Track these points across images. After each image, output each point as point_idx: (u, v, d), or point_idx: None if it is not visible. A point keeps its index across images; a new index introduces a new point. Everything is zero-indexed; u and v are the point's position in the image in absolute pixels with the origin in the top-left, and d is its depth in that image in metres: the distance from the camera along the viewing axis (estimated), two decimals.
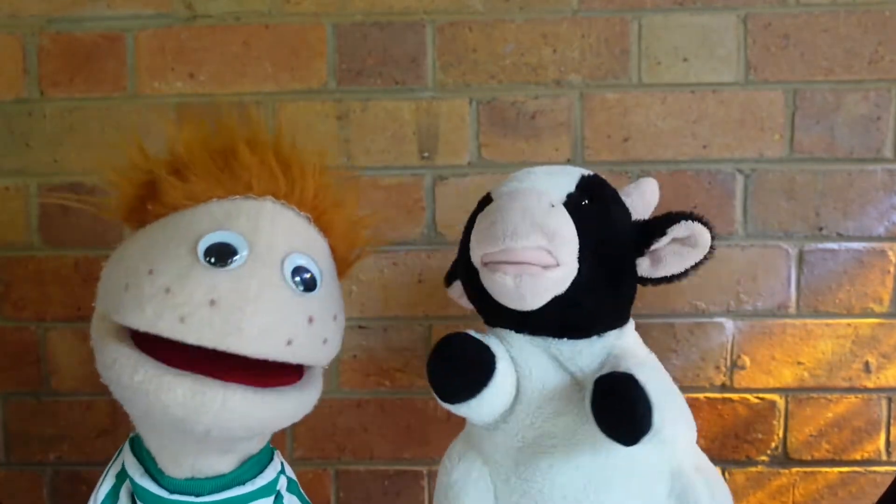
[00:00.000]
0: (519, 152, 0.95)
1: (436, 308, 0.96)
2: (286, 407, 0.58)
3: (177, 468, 0.60)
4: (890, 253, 0.94)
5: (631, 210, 0.66)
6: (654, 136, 0.94)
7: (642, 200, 0.67)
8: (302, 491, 0.70)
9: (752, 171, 0.94)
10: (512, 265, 0.57)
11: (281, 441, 0.98)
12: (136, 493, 0.61)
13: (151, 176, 0.61)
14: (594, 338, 0.63)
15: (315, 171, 0.63)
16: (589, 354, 0.63)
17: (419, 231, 0.96)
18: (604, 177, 0.66)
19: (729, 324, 0.95)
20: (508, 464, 0.64)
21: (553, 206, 0.58)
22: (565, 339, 0.62)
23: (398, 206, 0.96)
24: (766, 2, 0.92)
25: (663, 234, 0.61)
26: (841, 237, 0.94)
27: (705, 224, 0.61)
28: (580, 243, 0.58)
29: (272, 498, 0.65)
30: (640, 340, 0.68)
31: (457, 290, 0.72)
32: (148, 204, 0.60)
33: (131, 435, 0.65)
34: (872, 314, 0.95)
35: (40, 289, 0.98)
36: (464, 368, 0.60)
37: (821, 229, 0.94)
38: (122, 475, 0.64)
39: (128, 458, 0.63)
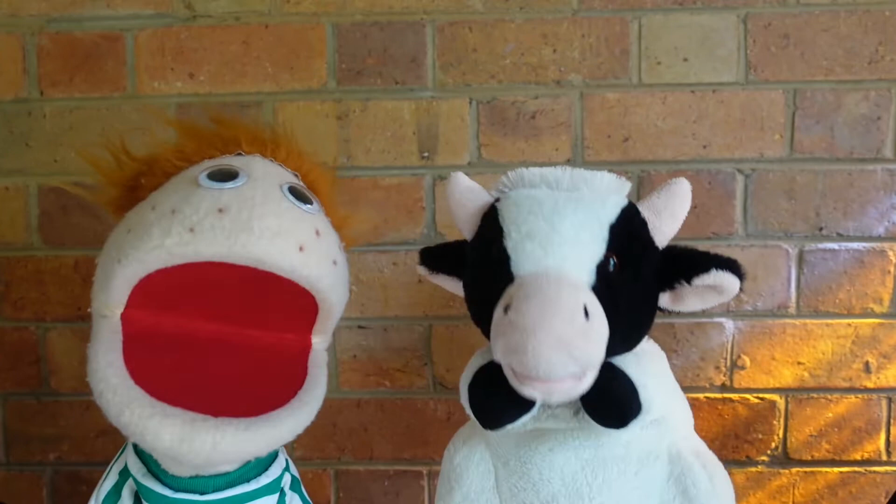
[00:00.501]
0: (519, 152, 0.95)
1: (436, 308, 0.96)
2: (279, 434, 0.57)
3: (180, 468, 0.60)
4: (890, 253, 0.94)
5: (658, 231, 0.62)
6: (654, 136, 0.94)
7: (672, 219, 0.62)
8: (304, 490, 0.70)
9: (752, 171, 0.94)
10: (543, 384, 0.55)
11: None
12: (140, 492, 0.61)
13: (145, 165, 0.62)
14: None
15: (297, 144, 0.67)
16: None
17: (419, 231, 0.96)
18: None
19: (729, 324, 0.95)
20: (509, 447, 0.64)
21: (587, 313, 0.53)
22: None
23: (398, 206, 0.96)
24: (766, 2, 0.92)
25: (689, 281, 0.58)
26: (841, 237, 0.94)
27: (736, 271, 0.58)
28: (610, 326, 0.56)
29: (276, 495, 0.65)
30: None
31: (422, 271, 0.71)
32: (142, 180, 0.61)
33: None
34: (872, 314, 0.95)
35: (40, 289, 0.97)
36: (508, 402, 0.59)
37: (821, 229, 0.94)
38: (126, 472, 0.64)
39: (130, 458, 0.63)
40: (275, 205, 0.54)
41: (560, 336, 0.52)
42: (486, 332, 0.63)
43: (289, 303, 0.58)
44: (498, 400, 0.59)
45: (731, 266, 0.58)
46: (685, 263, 0.59)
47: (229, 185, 0.54)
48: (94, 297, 0.58)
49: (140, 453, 0.63)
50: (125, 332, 0.55)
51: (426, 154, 0.95)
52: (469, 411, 0.62)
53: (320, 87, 0.95)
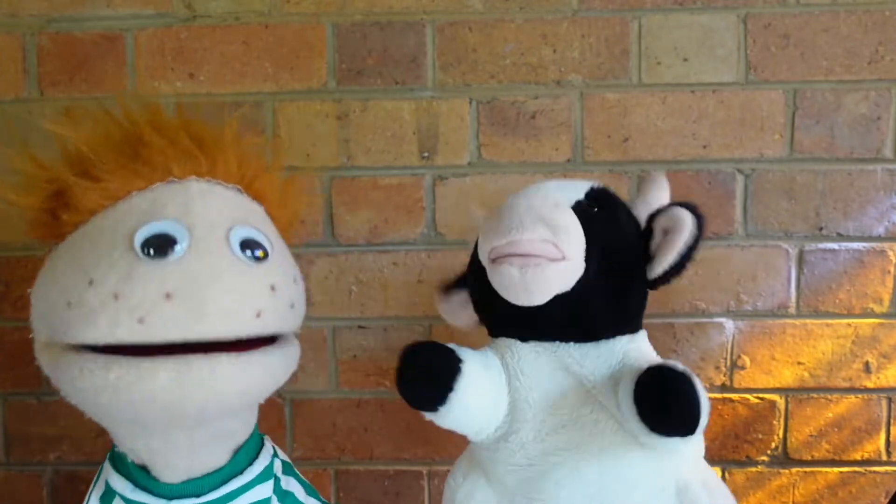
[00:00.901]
0: (519, 152, 0.95)
1: (436, 308, 0.96)
2: (274, 364, 0.56)
3: (172, 472, 0.59)
4: (890, 253, 0.94)
5: (640, 221, 0.66)
6: (654, 136, 0.94)
7: (648, 210, 0.66)
8: (297, 471, 0.70)
9: (752, 171, 0.94)
10: (518, 257, 0.57)
11: (281, 441, 0.98)
12: None
13: (56, 185, 0.56)
14: (601, 341, 0.62)
15: (232, 141, 0.60)
16: (596, 357, 0.62)
17: (419, 231, 0.96)
18: (604, 177, 0.66)
19: (729, 324, 0.95)
20: (513, 483, 0.63)
21: (558, 204, 0.59)
22: (572, 343, 0.62)
23: (398, 206, 0.96)
24: (766, 2, 0.92)
25: (651, 230, 0.62)
26: (841, 237, 0.94)
27: (690, 209, 0.60)
28: (587, 243, 0.59)
29: (271, 482, 0.64)
30: (652, 348, 0.67)
31: (453, 303, 0.72)
32: (62, 214, 0.55)
33: (110, 454, 0.63)
34: (872, 314, 0.95)
35: None
36: (427, 376, 0.59)
37: (821, 229, 0.94)
38: (107, 496, 0.61)
39: (112, 478, 0.60)
40: (226, 275, 0.51)
41: (531, 204, 0.58)
42: (478, 302, 0.66)
43: None
44: (420, 375, 0.59)
45: (685, 206, 0.60)
46: (648, 219, 0.64)
47: (171, 257, 0.50)
48: (40, 331, 0.55)
49: (123, 470, 0.60)
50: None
51: (426, 154, 0.95)
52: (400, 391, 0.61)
53: (320, 87, 0.95)
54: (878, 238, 0.94)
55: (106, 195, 0.54)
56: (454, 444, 0.98)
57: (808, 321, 0.95)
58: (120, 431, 0.59)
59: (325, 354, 0.97)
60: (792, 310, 0.95)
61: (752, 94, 0.93)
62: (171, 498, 0.58)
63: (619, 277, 0.61)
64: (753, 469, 0.97)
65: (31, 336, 0.57)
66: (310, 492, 0.69)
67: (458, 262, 0.95)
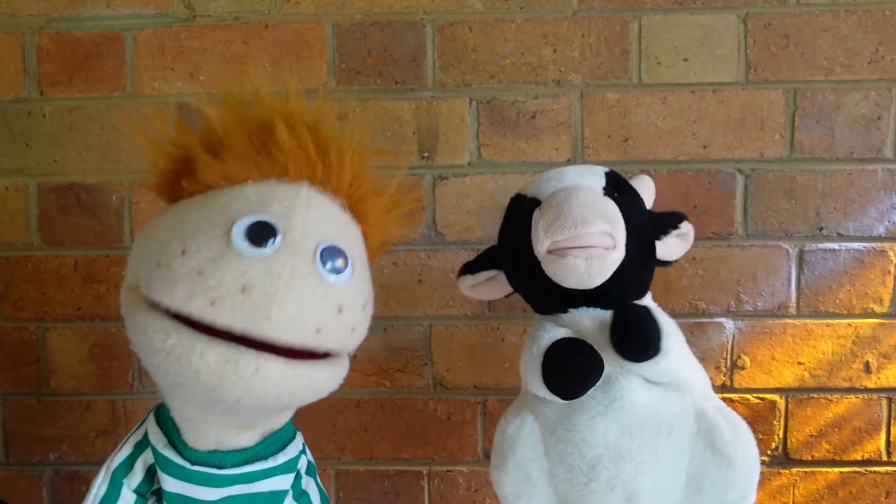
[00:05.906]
0: (519, 152, 0.95)
1: (436, 308, 0.96)
2: (318, 379, 0.59)
3: (201, 440, 0.60)
4: (890, 253, 0.94)
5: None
6: (654, 136, 0.94)
7: (647, 195, 0.74)
8: (318, 476, 0.71)
9: (752, 171, 0.94)
10: (581, 249, 0.64)
11: None
12: (158, 462, 0.61)
13: (187, 152, 0.60)
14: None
15: (353, 156, 0.63)
16: None
17: (419, 231, 0.96)
18: None
19: (729, 324, 0.95)
20: (555, 417, 0.70)
21: (605, 197, 0.67)
22: (599, 309, 0.70)
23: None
24: (766, 2, 0.92)
25: (676, 227, 0.71)
26: (841, 237, 0.94)
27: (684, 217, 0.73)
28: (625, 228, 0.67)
29: (293, 475, 0.65)
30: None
31: (468, 281, 0.76)
32: (183, 181, 0.60)
33: (156, 405, 0.65)
34: (872, 314, 0.95)
35: (40, 289, 0.97)
36: (590, 364, 0.67)
37: (821, 229, 0.94)
38: (142, 444, 0.63)
39: (151, 427, 0.63)
40: (300, 286, 0.53)
41: (587, 199, 0.66)
42: (533, 300, 0.73)
43: None
44: (581, 362, 0.67)
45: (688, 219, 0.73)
46: (672, 217, 0.72)
47: (263, 250, 0.53)
48: (130, 273, 0.59)
49: (162, 424, 0.62)
50: None
51: (426, 154, 0.95)
52: (542, 386, 0.67)
53: (320, 86, 0.95)
54: (878, 238, 0.94)
55: (224, 176, 0.58)
56: (454, 445, 0.98)
57: (808, 321, 0.95)
58: (166, 388, 0.61)
59: None
60: (792, 310, 0.95)
61: (752, 94, 0.93)
62: (193, 462, 0.60)
63: (643, 254, 0.69)
64: None
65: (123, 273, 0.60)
66: (324, 501, 0.70)
67: (458, 262, 0.95)
